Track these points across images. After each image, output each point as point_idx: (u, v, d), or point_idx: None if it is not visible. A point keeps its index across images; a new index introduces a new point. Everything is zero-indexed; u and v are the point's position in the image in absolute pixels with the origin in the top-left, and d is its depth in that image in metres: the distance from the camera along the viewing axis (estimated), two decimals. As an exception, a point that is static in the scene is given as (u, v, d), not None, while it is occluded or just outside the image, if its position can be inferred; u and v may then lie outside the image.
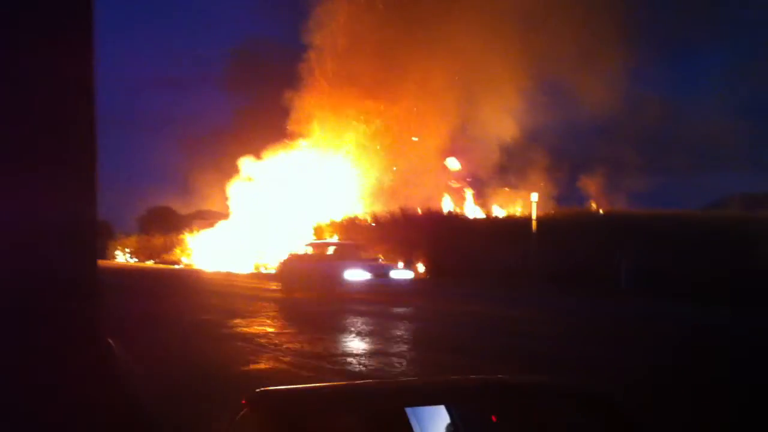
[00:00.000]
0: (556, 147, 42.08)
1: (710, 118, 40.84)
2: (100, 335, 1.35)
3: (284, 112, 43.90)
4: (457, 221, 37.16)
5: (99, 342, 1.35)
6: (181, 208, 65.14)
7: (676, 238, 24.46)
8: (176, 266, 50.16)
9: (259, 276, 36.80)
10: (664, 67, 66.11)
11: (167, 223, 60.94)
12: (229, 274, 38.60)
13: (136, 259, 61.14)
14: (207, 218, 54.67)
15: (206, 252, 47.70)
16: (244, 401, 1.60)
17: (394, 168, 43.58)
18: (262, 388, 1.65)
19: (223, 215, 49.75)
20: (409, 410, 1.75)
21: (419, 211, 38.55)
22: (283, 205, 43.25)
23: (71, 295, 1.29)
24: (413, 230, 34.87)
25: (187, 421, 5.43)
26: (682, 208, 33.21)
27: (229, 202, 47.92)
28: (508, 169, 43.24)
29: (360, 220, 40.28)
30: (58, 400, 1.26)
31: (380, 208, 40.56)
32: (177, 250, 54.74)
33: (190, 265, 49.21)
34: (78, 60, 1.35)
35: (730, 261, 21.74)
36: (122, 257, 62.83)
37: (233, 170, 46.83)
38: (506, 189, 42.93)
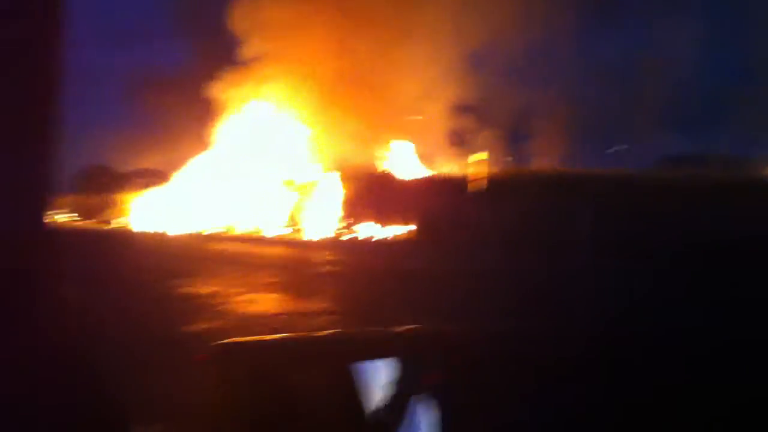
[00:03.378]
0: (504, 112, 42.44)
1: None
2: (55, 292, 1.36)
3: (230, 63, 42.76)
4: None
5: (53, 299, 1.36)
6: (120, 166, 63.16)
7: (619, 200, 24.82)
8: (111, 226, 48.68)
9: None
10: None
11: (105, 183, 58.99)
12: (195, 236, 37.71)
13: (80, 219, 58.86)
14: (146, 177, 53.13)
15: (145, 212, 46.38)
16: (201, 356, 1.60)
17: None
18: (222, 341, 1.63)
19: (164, 174, 48.46)
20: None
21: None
22: (230, 164, 42.38)
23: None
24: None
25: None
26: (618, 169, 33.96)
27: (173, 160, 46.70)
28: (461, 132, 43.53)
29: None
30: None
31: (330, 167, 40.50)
32: (113, 210, 53.11)
33: (127, 225, 47.81)
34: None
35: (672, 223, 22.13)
36: (64, 217, 60.29)
37: (176, 126, 45.57)
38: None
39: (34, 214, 1.34)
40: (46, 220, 1.37)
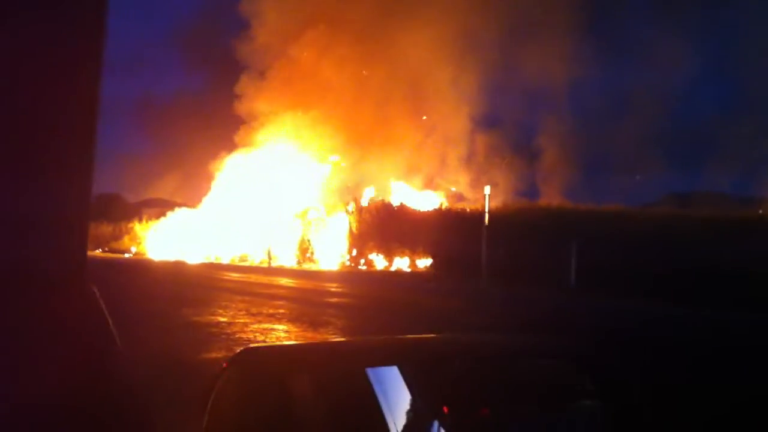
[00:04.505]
0: (509, 142, 43.07)
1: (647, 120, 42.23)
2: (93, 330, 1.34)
3: (237, 97, 43.53)
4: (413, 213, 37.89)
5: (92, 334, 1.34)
6: (130, 196, 64.12)
7: (619, 235, 25.18)
8: (126, 255, 49.32)
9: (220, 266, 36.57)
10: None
11: (116, 211, 59.76)
12: (209, 264, 38.21)
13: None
14: (158, 206, 53.85)
15: (159, 241, 47.04)
16: (225, 364, 1.68)
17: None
18: (247, 346, 1.74)
19: (176, 204, 49.13)
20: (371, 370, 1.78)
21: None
22: (243, 196, 42.94)
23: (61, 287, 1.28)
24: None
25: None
26: (625, 205, 34.38)
27: (182, 191, 47.45)
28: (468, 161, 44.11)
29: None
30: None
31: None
32: (126, 239, 53.82)
33: (141, 254, 48.46)
34: (88, 34, 1.30)
35: (670, 258, 22.47)
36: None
37: (188, 158, 46.35)
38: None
39: (79, 244, 1.31)
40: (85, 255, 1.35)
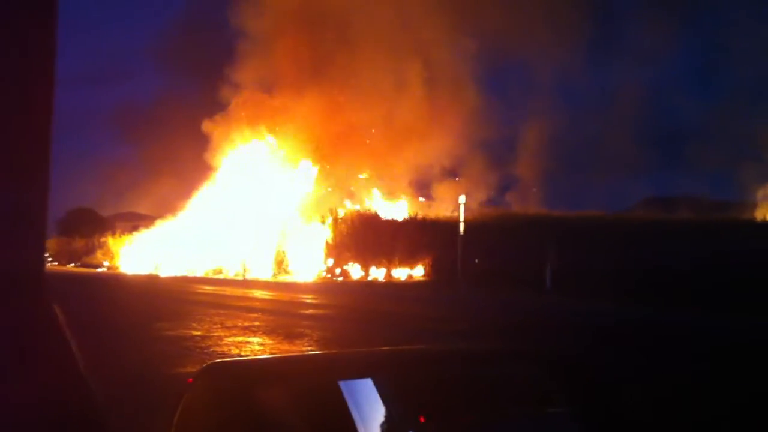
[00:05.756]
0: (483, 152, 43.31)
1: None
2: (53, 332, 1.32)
3: (214, 109, 43.34)
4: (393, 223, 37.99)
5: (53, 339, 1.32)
6: (104, 210, 63.38)
7: (594, 240, 25.46)
8: (98, 269, 48.62)
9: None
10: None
11: (88, 225, 59.04)
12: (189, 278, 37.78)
13: (56, 263, 58.93)
14: (131, 220, 53.26)
15: (133, 255, 46.46)
16: (191, 379, 1.65)
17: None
18: (214, 361, 1.75)
19: (150, 217, 48.63)
20: (342, 383, 1.76)
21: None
22: (218, 209, 42.60)
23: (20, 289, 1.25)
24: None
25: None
26: (599, 211, 34.74)
27: (156, 204, 47.02)
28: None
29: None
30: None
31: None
32: (99, 253, 53.11)
33: (114, 268, 47.80)
34: (41, 41, 1.32)
35: (644, 260, 22.78)
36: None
37: (162, 171, 45.97)
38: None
39: (35, 256, 1.29)
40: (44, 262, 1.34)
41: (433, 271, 32.03)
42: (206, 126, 43.37)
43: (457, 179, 42.43)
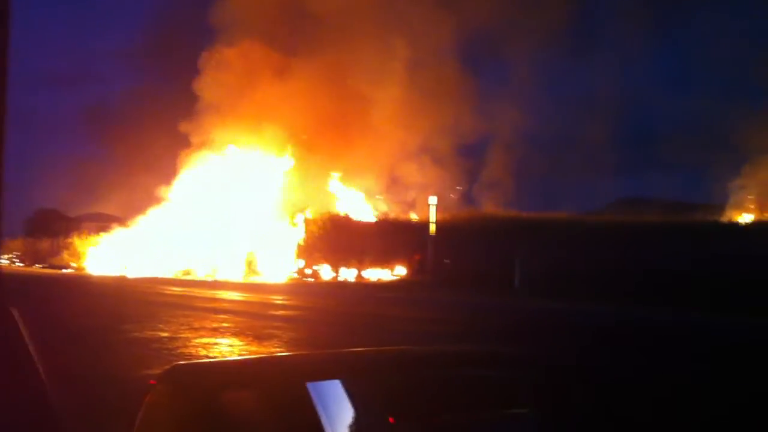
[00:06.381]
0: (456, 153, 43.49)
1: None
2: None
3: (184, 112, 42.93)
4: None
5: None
6: (70, 210, 62.30)
7: (563, 241, 25.71)
8: (64, 271, 47.82)
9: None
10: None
11: (54, 226, 58.07)
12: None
13: (22, 264, 57.85)
14: (99, 221, 52.49)
15: (100, 256, 45.78)
16: (153, 381, 1.63)
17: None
18: (177, 363, 1.69)
19: (117, 219, 47.97)
20: (311, 384, 1.75)
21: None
22: (188, 211, 42.13)
23: None
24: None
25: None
26: (571, 212, 35.11)
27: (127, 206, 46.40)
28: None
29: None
30: None
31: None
32: (65, 254, 52.27)
33: (80, 269, 47.06)
34: None
35: (613, 261, 23.08)
36: (5, 261, 59.24)
37: (131, 172, 45.39)
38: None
39: None
40: None
41: (404, 271, 32.08)
42: (182, 127, 42.96)
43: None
